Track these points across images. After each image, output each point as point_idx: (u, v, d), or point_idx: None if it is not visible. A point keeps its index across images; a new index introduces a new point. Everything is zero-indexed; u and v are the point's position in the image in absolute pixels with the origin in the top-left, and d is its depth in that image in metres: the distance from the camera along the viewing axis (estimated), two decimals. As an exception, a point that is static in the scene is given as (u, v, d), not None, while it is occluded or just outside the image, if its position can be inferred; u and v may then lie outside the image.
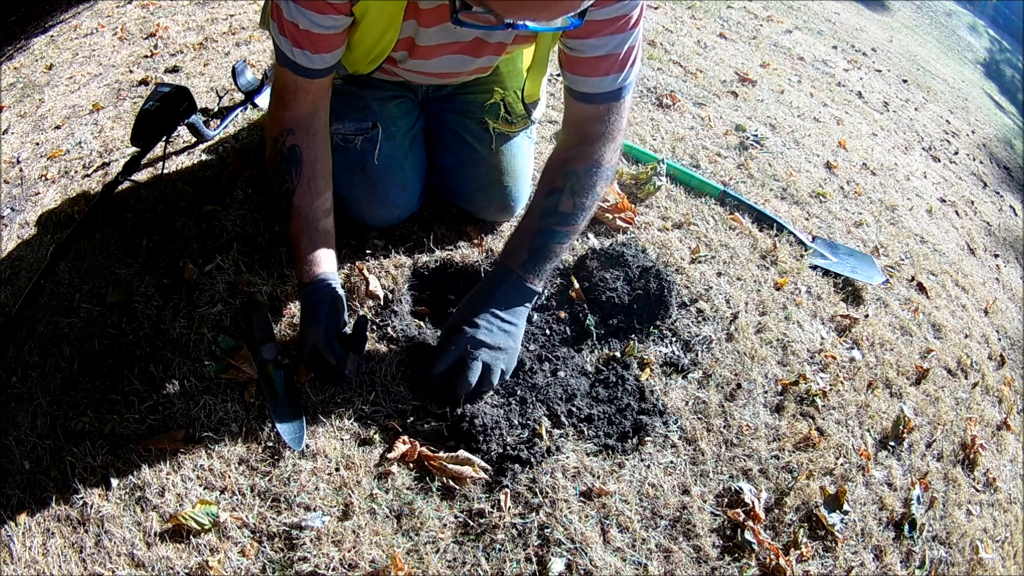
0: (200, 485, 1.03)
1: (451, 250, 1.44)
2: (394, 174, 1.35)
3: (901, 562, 1.23)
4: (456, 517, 1.05)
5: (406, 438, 1.12)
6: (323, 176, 1.16)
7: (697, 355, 1.38)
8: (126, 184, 1.44)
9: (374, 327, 1.28)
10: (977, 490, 1.46)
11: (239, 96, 1.80)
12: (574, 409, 1.21)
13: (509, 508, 1.06)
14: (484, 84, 1.41)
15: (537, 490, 1.09)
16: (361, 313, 1.27)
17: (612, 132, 1.12)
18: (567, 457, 1.14)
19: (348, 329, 1.15)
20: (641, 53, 1.08)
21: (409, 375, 1.19)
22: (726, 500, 1.18)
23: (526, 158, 1.47)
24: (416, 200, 1.43)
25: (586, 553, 1.04)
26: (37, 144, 1.79)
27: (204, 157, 1.59)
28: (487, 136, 1.40)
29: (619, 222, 1.61)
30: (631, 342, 1.35)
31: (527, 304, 1.16)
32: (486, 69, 1.31)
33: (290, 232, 1.15)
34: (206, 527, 0.98)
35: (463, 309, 1.15)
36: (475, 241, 1.48)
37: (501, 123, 1.41)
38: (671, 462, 1.20)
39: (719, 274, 1.59)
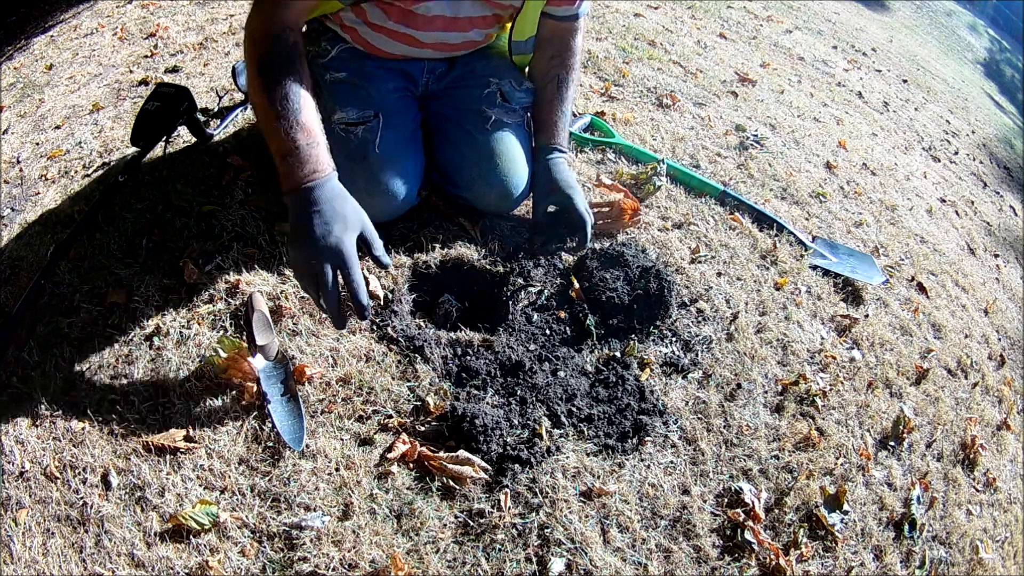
0: (200, 485, 1.03)
1: (451, 249, 1.44)
2: (394, 164, 1.36)
3: (901, 562, 1.23)
4: (456, 517, 1.05)
5: (406, 438, 1.12)
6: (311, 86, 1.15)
7: (697, 355, 1.38)
8: (126, 184, 1.43)
9: (374, 327, 1.29)
10: (977, 490, 1.46)
11: (239, 96, 1.80)
12: (574, 409, 1.21)
13: (509, 508, 1.06)
14: (480, 76, 1.49)
15: (537, 490, 1.09)
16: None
17: (580, 35, 1.54)
18: (567, 457, 1.14)
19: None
20: None
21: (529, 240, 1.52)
22: (726, 500, 1.18)
23: (523, 147, 1.49)
24: (415, 192, 1.43)
25: (586, 553, 1.04)
26: (37, 144, 1.79)
27: (204, 157, 1.59)
28: (486, 125, 1.45)
29: (619, 222, 1.61)
30: (631, 342, 1.35)
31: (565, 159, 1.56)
32: (479, 39, 1.45)
33: (300, 124, 1.06)
34: (206, 527, 0.97)
35: (540, 176, 1.51)
36: (475, 240, 1.48)
37: (499, 111, 1.46)
38: (671, 462, 1.20)
39: (719, 274, 1.59)
